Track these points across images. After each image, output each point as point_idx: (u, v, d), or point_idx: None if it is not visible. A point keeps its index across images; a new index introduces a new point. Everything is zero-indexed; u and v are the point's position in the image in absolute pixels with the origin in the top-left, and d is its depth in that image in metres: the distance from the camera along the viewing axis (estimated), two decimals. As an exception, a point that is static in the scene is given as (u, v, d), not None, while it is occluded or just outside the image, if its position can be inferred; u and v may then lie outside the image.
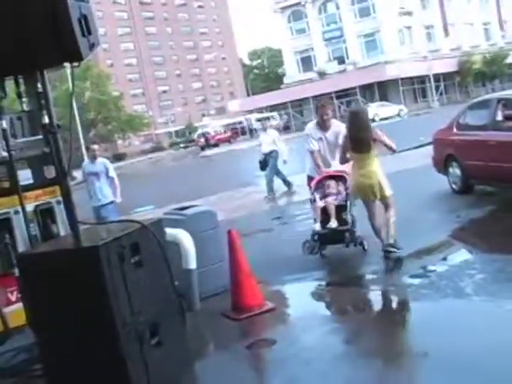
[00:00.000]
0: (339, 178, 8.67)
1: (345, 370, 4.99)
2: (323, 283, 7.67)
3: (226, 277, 6.83)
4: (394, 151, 8.26)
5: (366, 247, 8.27)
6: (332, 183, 8.65)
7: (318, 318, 6.37)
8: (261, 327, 6.47)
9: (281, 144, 16.56)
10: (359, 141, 7.88)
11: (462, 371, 4.44)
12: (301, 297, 7.37)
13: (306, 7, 72.84)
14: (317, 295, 7.32)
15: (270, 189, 16.10)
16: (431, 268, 7.14)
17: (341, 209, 8.39)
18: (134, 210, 17.04)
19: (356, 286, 7.33)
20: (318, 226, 8.30)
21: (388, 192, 7.94)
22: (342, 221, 8.30)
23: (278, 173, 16.34)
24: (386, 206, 7.98)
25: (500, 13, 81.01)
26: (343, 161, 8.30)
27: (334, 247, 8.53)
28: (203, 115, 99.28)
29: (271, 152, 16.30)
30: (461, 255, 7.80)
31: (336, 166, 8.76)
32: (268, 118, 58.65)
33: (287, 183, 16.29)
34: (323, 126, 8.96)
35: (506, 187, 10.33)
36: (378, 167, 7.98)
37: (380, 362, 4.98)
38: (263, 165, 16.46)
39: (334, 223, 8.25)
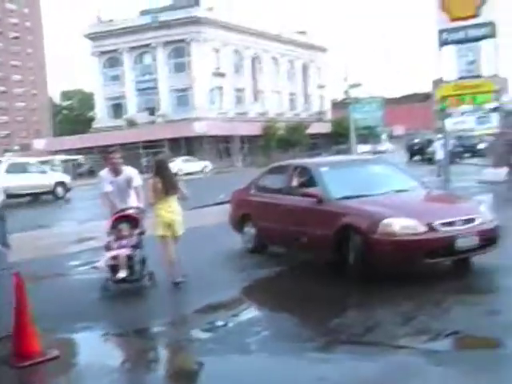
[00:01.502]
0: (132, 220, 9.50)
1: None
2: (112, 332, 7.55)
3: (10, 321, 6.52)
4: (187, 198, 9.68)
5: (155, 281, 9.22)
6: (124, 226, 9.37)
7: (102, 368, 6.25)
8: (43, 376, 6.23)
9: None
10: (170, 183, 9.33)
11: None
12: (86, 346, 7.20)
13: (123, 55, 72.94)
14: (103, 345, 7.18)
15: None
16: (219, 323, 7.30)
17: (131, 258, 9.04)
18: None
19: (144, 337, 7.30)
20: (122, 273, 8.87)
21: (182, 231, 9.47)
22: (131, 270, 9.02)
23: None
24: (176, 243, 9.45)
25: (306, 87, 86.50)
26: (153, 201, 9.34)
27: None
28: (6, 151, 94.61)
29: None
30: (249, 312, 8.04)
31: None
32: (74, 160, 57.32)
33: None
34: (114, 171, 9.73)
35: (296, 250, 10.89)
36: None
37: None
38: None
39: (123, 273, 8.89)
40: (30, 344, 6.37)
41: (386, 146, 75.04)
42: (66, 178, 33.99)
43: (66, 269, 11.62)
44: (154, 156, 12.13)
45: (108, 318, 8.07)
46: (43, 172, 32.42)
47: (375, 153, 40.39)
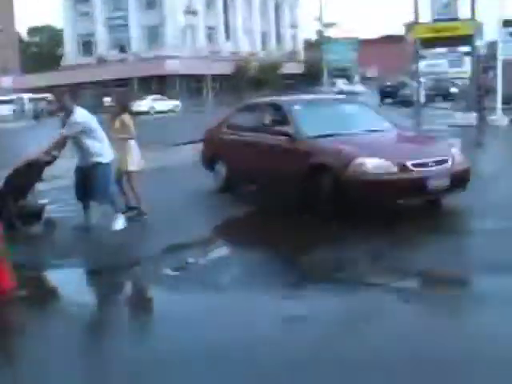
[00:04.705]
0: None
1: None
2: (81, 270, 7.53)
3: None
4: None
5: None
6: None
7: (69, 304, 6.27)
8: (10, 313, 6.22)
9: None
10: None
11: (211, 365, 4.58)
12: (56, 282, 7.19)
13: (93, -10, 71.17)
14: (73, 282, 7.13)
15: None
16: (191, 261, 7.28)
17: None
18: None
19: (114, 275, 7.26)
20: None
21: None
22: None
23: None
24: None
25: (279, 26, 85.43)
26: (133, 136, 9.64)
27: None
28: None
29: None
30: (220, 250, 8.01)
31: None
32: (43, 98, 56.35)
33: None
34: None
35: (266, 188, 10.87)
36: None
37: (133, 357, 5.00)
38: None
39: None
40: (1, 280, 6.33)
41: (358, 87, 74.79)
42: None
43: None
44: (118, 94, 11.60)
45: (78, 255, 8.00)
46: None
47: (346, 94, 40.23)
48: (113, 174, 9.22)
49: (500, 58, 25.20)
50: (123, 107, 9.69)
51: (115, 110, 9.78)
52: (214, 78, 66.85)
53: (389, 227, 8.23)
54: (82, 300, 6.38)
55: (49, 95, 61.87)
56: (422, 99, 25.69)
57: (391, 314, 5.42)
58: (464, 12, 23.37)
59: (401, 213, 9.07)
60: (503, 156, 16.29)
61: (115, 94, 10.57)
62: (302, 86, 70.18)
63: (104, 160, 8.79)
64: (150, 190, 10.03)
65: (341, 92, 48.39)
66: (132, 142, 9.57)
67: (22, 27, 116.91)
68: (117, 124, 9.56)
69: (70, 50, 74.92)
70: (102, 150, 8.82)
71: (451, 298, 5.87)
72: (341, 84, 60.78)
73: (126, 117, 9.52)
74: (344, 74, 73.65)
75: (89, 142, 8.70)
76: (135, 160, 9.58)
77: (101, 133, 8.89)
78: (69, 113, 8.68)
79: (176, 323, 5.43)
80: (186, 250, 7.89)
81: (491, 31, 27.12)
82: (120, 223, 8.91)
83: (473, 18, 23.25)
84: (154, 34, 69.57)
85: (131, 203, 9.68)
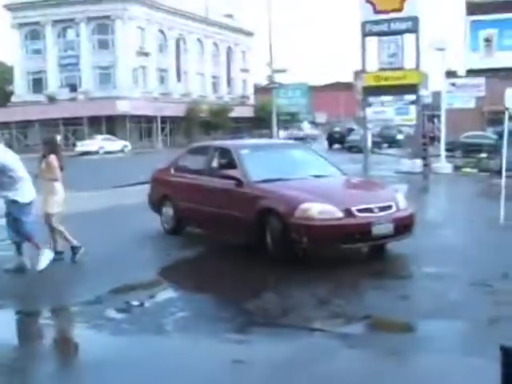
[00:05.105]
0: None
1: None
2: (22, 311, 7.37)
3: None
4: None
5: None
6: None
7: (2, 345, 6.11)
8: None
9: None
10: (62, 162, 9.67)
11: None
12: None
13: (46, 29, 70.71)
14: (10, 324, 6.98)
15: None
16: (135, 303, 7.21)
17: None
18: None
19: (56, 316, 7.15)
20: None
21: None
22: None
23: None
24: None
25: (229, 70, 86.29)
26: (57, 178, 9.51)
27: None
28: None
29: None
30: (166, 293, 7.97)
31: None
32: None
33: None
34: None
35: (213, 231, 10.88)
36: None
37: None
38: None
39: None
40: None
41: (307, 132, 75.76)
42: None
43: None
44: (46, 136, 11.72)
45: (20, 296, 7.85)
46: None
47: (295, 139, 40.78)
48: (32, 213, 9.05)
49: (444, 107, 26.00)
50: (50, 149, 9.73)
51: (43, 151, 9.82)
52: (165, 119, 66.91)
53: (334, 272, 8.32)
54: (13, 343, 6.24)
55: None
56: (370, 145, 26.22)
57: (336, 359, 5.47)
58: (409, 63, 24.07)
59: (346, 257, 9.18)
60: (447, 202, 16.70)
61: (43, 136, 10.94)
62: (250, 129, 70.84)
63: (21, 200, 8.75)
64: (94, 232, 9.95)
65: (290, 137, 48.97)
66: (56, 184, 9.54)
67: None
68: (43, 165, 9.59)
69: (20, 87, 74.00)
70: (21, 189, 8.76)
71: (393, 343, 5.93)
72: (284, 134, 60.93)
73: (53, 158, 9.52)
74: (294, 118, 74.65)
75: (6, 180, 8.67)
76: (57, 202, 9.53)
77: (22, 172, 8.84)
78: None
79: (118, 368, 5.35)
80: (131, 291, 7.82)
81: (435, 81, 28.04)
82: (44, 261, 8.86)
83: (417, 68, 23.94)
84: (105, 74, 69.43)
85: (57, 247, 9.54)
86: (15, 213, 8.80)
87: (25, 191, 8.80)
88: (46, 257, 8.92)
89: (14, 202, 8.74)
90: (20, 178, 8.75)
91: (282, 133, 56.48)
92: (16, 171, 8.70)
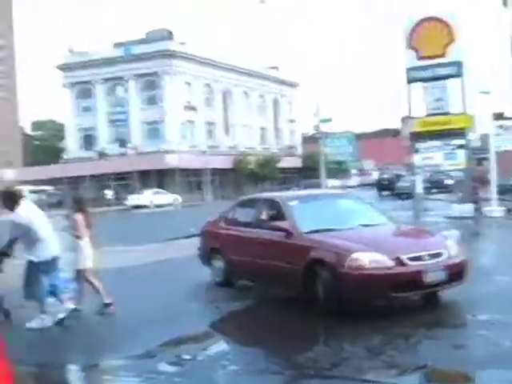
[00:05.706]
0: None
1: None
2: (78, 365, 7.46)
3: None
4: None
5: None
6: None
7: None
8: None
9: None
10: (90, 219, 10.04)
11: None
12: (48, 378, 7.10)
13: (96, 87, 72.97)
14: (68, 378, 7.08)
15: None
16: (186, 357, 7.23)
17: None
18: None
19: (109, 370, 7.21)
20: None
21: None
22: None
23: None
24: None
25: (276, 121, 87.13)
26: (84, 235, 9.86)
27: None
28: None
29: None
30: (217, 346, 7.97)
31: None
32: (43, 191, 56.81)
33: None
34: None
35: (263, 283, 10.89)
36: None
37: None
38: None
39: None
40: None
41: (355, 180, 75.80)
42: None
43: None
44: (75, 194, 12.29)
45: (73, 350, 7.95)
46: None
47: (345, 188, 40.70)
48: (56, 270, 9.27)
49: (492, 150, 25.69)
50: (77, 207, 10.03)
51: (71, 208, 10.14)
52: (214, 171, 67.62)
53: (386, 322, 8.20)
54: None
55: (49, 188, 62.69)
56: (420, 191, 25.99)
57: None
58: (455, 107, 24.04)
59: (398, 307, 9.05)
60: (500, 246, 16.37)
61: (72, 196, 11.50)
62: (298, 179, 70.92)
63: (36, 259, 8.89)
64: (146, 285, 10.05)
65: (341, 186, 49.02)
66: (81, 242, 9.77)
67: (25, 122, 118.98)
68: (69, 222, 9.93)
69: (71, 144, 76.06)
70: (36, 249, 8.89)
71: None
72: (334, 183, 60.99)
73: (78, 217, 9.82)
74: (341, 167, 74.70)
75: (27, 240, 8.88)
76: (85, 257, 9.76)
77: (44, 231, 8.99)
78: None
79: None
80: (184, 344, 7.85)
81: (482, 123, 27.77)
82: (37, 323, 8.86)
83: (464, 112, 23.86)
84: (153, 129, 70.84)
85: (104, 300, 9.68)
86: (34, 272, 8.92)
87: (41, 250, 8.93)
88: (38, 323, 8.88)
89: (30, 261, 8.92)
90: (39, 239, 8.90)
91: (331, 181, 56.48)
92: (38, 232, 8.89)
